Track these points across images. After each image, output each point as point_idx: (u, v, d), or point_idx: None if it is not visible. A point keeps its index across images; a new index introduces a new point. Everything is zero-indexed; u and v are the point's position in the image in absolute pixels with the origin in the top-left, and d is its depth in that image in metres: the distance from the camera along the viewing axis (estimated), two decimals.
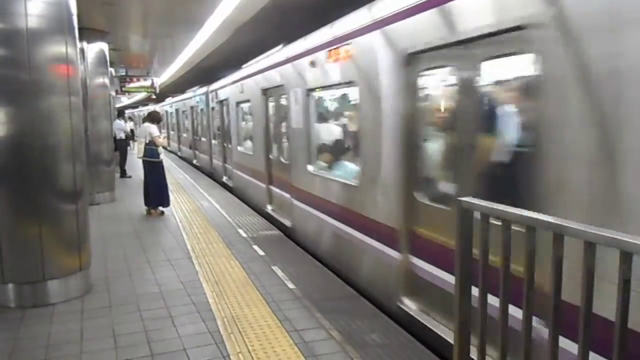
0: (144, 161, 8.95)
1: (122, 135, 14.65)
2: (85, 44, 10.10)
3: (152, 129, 8.92)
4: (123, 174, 14.36)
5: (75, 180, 4.89)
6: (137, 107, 40.60)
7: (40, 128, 4.59)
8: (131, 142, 16.09)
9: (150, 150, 8.81)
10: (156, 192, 8.96)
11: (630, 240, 1.55)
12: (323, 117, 7.16)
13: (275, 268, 5.73)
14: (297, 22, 7.81)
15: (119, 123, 14.98)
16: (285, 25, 9.07)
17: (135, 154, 9.08)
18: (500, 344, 2.14)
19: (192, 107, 18.39)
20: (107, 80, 11.05)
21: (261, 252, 6.43)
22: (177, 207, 9.58)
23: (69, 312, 4.55)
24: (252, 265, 5.85)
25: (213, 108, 14.24)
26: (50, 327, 4.23)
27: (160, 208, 9.11)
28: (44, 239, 4.67)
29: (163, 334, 4.05)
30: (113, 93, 15.58)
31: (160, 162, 8.96)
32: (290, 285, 5.16)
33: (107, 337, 4.03)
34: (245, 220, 8.46)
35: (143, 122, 9.54)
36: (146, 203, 9.10)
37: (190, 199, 10.69)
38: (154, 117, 9.25)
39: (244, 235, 7.40)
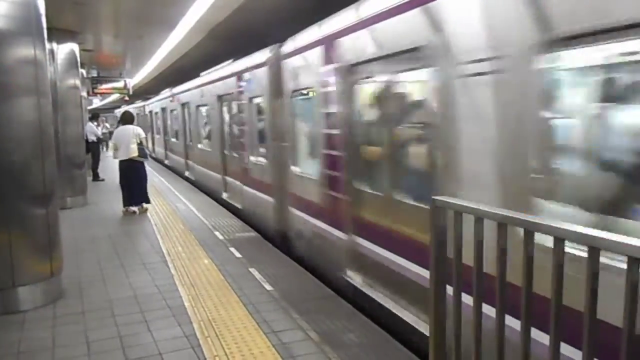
0: (129, 161, 8.90)
1: (94, 138, 14.43)
2: (54, 44, 9.93)
3: (140, 130, 9.14)
4: (95, 177, 14.12)
5: (45, 184, 4.77)
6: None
7: (7, 131, 4.47)
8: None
9: (142, 149, 9.01)
10: (140, 189, 9.15)
11: (598, 235, 1.59)
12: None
13: (252, 270, 5.70)
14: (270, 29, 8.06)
15: (90, 126, 14.74)
16: (261, 29, 9.06)
17: (120, 155, 9.07)
18: (474, 341, 2.18)
19: (137, 114, 27.01)
20: (78, 82, 10.86)
21: (238, 254, 6.39)
22: (152, 210, 9.45)
23: (41, 319, 4.44)
24: (228, 268, 5.81)
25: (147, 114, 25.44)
26: (21, 335, 4.12)
27: (144, 205, 9.28)
28: (14, 244, 4.55)
29: (138, 339, 3.99)
30: (84, 94, 15.29)
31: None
32: (268, 287, 5.14)
33: (80, 343, 3.95)
34: (222, 223, 8.40)
35: (120, 124, 9.45)
36: (128, 203, 9.08)
37: (165, 202, 10.56)
38: (132, 118, 9.40)
39: (221, 237, 7.35)
